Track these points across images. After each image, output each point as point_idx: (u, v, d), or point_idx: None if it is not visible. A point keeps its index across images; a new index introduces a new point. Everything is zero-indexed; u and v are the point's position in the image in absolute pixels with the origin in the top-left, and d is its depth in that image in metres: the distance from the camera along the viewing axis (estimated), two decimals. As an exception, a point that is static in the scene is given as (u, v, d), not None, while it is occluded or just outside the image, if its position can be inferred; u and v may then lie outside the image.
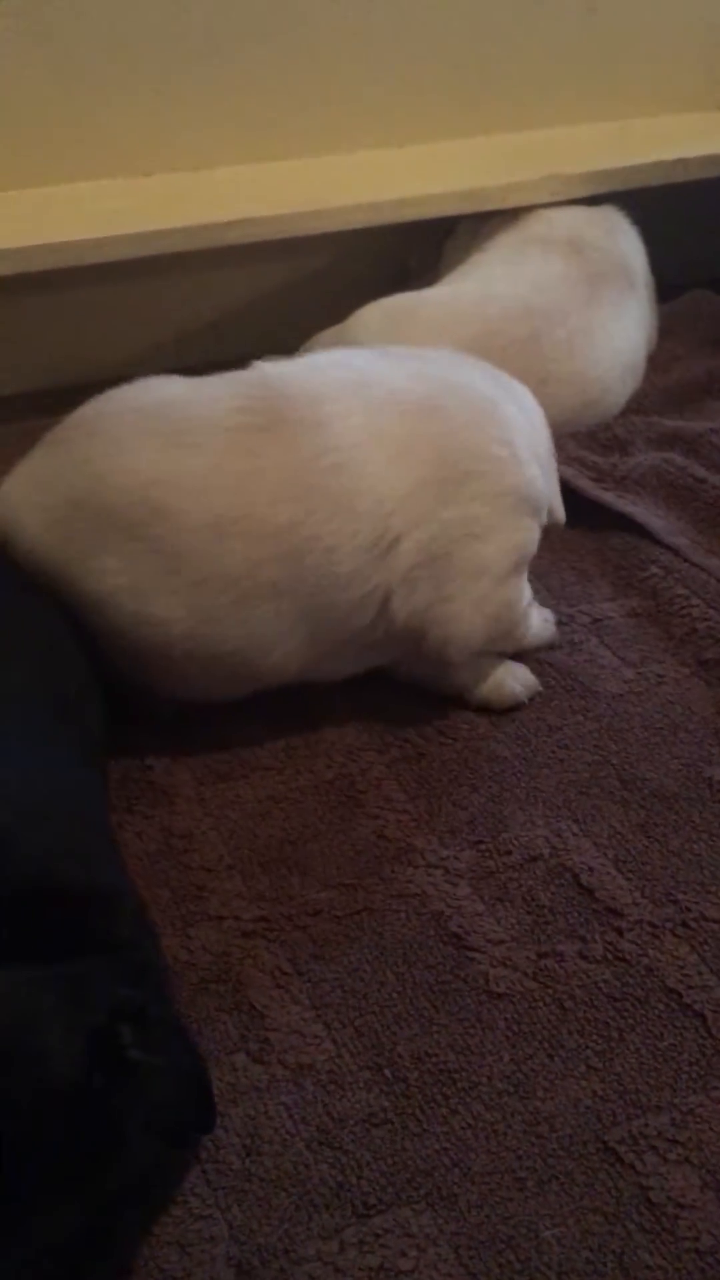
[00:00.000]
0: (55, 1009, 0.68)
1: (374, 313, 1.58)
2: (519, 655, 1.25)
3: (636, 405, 1.66)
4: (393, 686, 1.23)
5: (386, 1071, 0.88)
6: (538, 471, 1.16)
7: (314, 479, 1.06)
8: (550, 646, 1.27)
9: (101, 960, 0.74)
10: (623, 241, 1.68)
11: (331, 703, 1.21)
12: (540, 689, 1.23)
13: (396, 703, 1.22)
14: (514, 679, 1.21)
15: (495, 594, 1.13)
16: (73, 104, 1.56)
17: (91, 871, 0.80)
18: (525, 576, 1.19)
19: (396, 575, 1.09)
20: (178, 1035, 0.75)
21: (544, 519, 1.19)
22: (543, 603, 1.35)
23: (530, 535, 1.16)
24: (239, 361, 1.71)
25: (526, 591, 1.21)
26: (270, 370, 1.15)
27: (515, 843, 1.07)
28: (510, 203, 1.69)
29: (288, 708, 1.20)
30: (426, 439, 1.10)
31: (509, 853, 1.06)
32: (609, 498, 1.46)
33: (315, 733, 1.18)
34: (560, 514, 1.24)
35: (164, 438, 1.07)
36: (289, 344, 1.76)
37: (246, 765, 1.15)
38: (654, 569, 1.38)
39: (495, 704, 1.20)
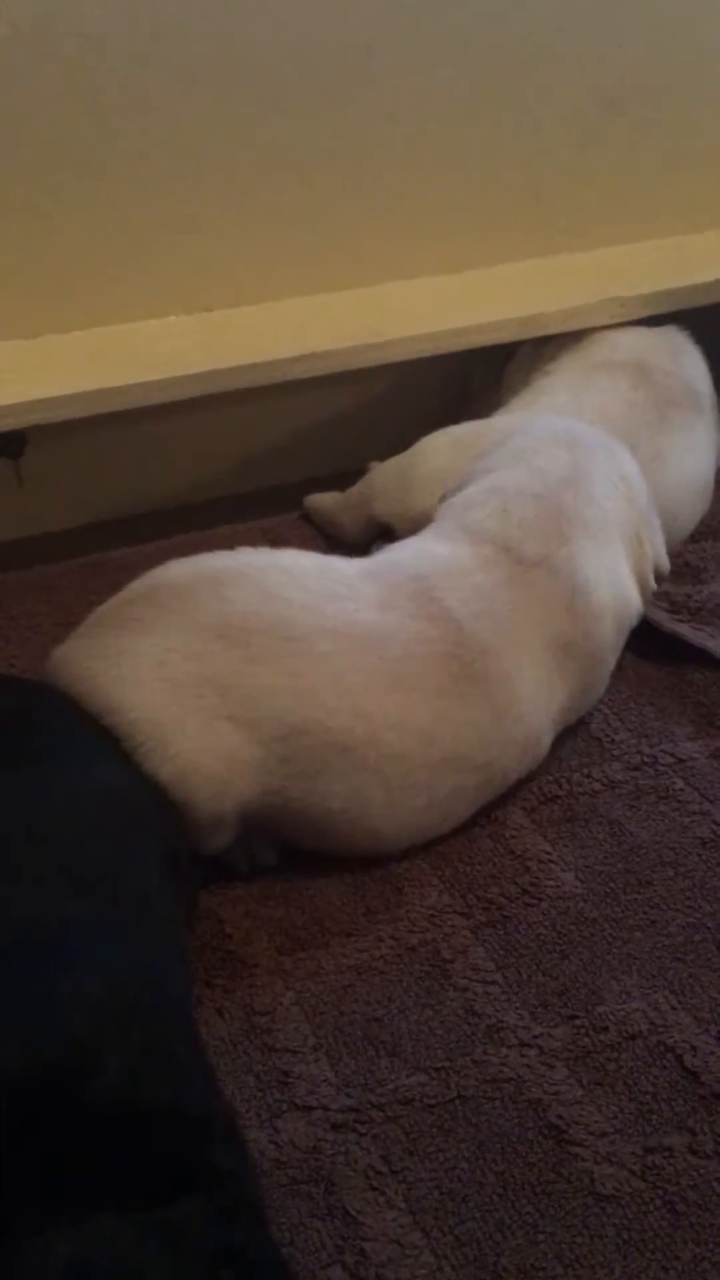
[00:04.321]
0: (157, 1260, 0.65)
1: (441, 440, 1.56)
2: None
3: (706, 528, 1.63)
4: (474, 843, 1.19)
5: (492, 1289, 0.84)
6: None
7: (506, 728, 1.18)
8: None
9: (197, 1197, 0.70)
10: (689, 365, 1.65)
11: (412, 862, 1.17)
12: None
13: (479, 860, 1.18)
14: None
15: None
16: (131, 242, 1.56)
17: (180, 1091, 0.75)
18: None
19: None
20: (278, 1272, 0.71)
21: None
22: (621, 741, 1.32)
23: None
24: (303, 486, 1.73)
25: None
26: (457, 609, 1.17)
27: (611, 1018, 1.02)
28: (569, 326, 1.68)
29: (367, 867, 1.17)
30: (568, 670, 1.24)
31: (605, 1029, 1.02)
32: (685, 630, 1.43)
33: (397, 894, 1.14)
34: None
35: (386, 678, 1.12)
36: (350, 466, 1.76)
37: (327, 931, 1.11)
38: (736, 707, 1.34)
39: None
